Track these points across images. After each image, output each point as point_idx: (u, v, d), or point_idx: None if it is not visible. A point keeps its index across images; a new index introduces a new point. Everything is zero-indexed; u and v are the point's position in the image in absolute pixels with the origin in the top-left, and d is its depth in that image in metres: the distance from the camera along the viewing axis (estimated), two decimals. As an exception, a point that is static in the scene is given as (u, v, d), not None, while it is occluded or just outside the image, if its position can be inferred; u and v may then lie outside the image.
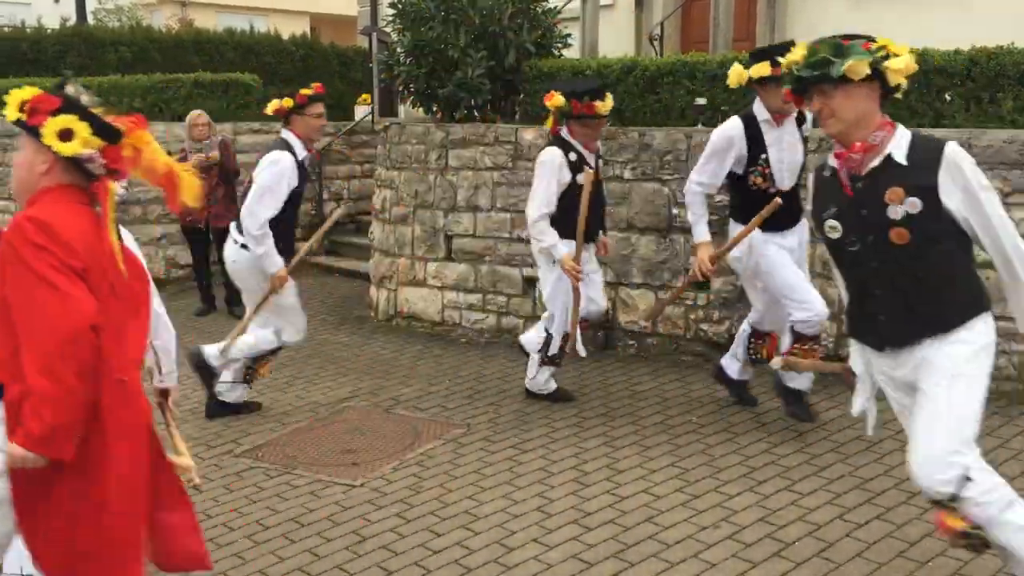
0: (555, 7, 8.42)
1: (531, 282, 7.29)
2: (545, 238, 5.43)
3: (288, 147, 5.53)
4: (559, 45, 8.26)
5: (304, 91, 5.60)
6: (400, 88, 8.33)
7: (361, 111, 11.80)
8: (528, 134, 7.23)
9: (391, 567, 3.92)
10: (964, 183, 2.96)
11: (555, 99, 5.38)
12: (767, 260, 5.03)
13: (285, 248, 5.58)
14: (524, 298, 7.35)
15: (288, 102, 5.56)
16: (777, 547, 3.92)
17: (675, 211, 6.55)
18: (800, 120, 5.08)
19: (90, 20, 16.97)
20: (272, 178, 5.40)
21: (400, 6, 8.03)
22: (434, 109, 8.19)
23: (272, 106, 5.61)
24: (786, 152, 5.00)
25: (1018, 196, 5.47)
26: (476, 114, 7.96)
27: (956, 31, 6.80)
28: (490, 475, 4.80)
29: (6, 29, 14.31)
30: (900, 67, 3.00)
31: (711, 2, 9.28)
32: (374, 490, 4.70)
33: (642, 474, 4.72)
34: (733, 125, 4.97)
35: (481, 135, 7.43)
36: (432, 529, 4.23)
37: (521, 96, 7.99)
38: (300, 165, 5.55)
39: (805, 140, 5.15)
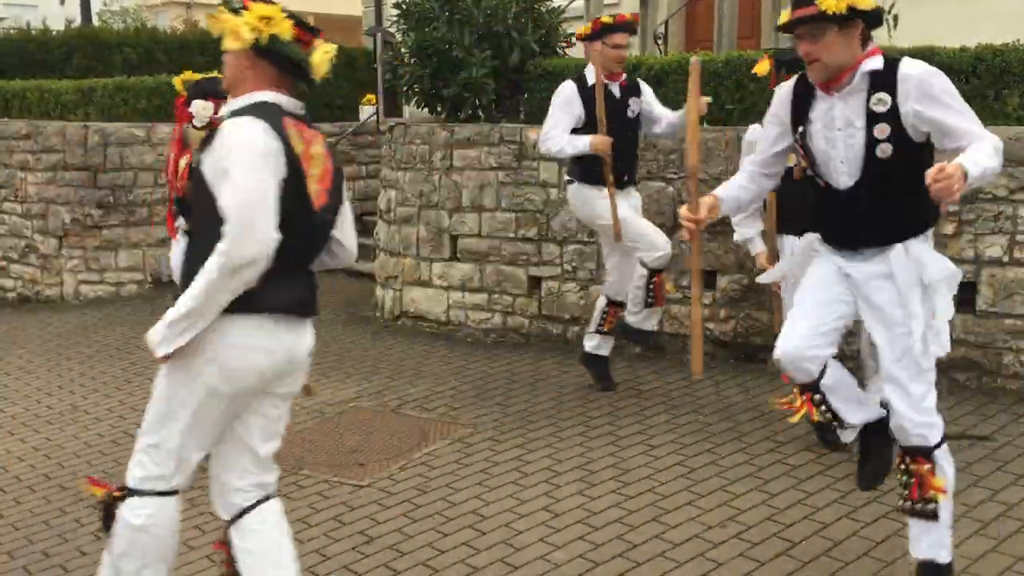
0: (559, 6, 8.42)
1: (536, 281, 7.29)
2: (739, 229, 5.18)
3: (579, 77, 5.63)
4: (563, 44, 8.27)
5: (604, 18, 5.60)
6: (405, 88, 8.34)
7: (366, 111, 11.82)
8: (533, 133, 7.21)
9: (398, 567, 3.92)
10: (218, 163, 2.80)
11: (762, 66, 5.02)
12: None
13: (601, 177, 5.49)
14: (529, 298, 7.34)
15: (586, 29, 5.64)
16: (784, 546, 3.92)
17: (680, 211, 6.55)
18: (873, 90, 3.19)
19: (95, 22, 17.02)
20: (552, 107, 5.58)
21: (404, 7, 8.05)
22: (439, 109, 8.20)
23: (578, 31, 5.81)
24: (839, 134, 3.25)
25: (1023, 194, 5.46)
26: (481, 114, 7.97)
27: (961, 28, 6.80)
28: (496, 475, 4.81)
29: (12, 31, 14.36)
30: (230, 26, 2.88)
31: (715, 1, 9.27)
32: (381, 490, 4.71)
33: (648, 473, 4.72)
34: (786, 86, 3.48)
35: (486, 135, 7.43)
36: (439, 529, 4.24)
37: (526, 96, 7.99)
38: (589, 93, 5.48)
39: (874, 118, 3.19)
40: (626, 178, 5.64)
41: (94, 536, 4.36)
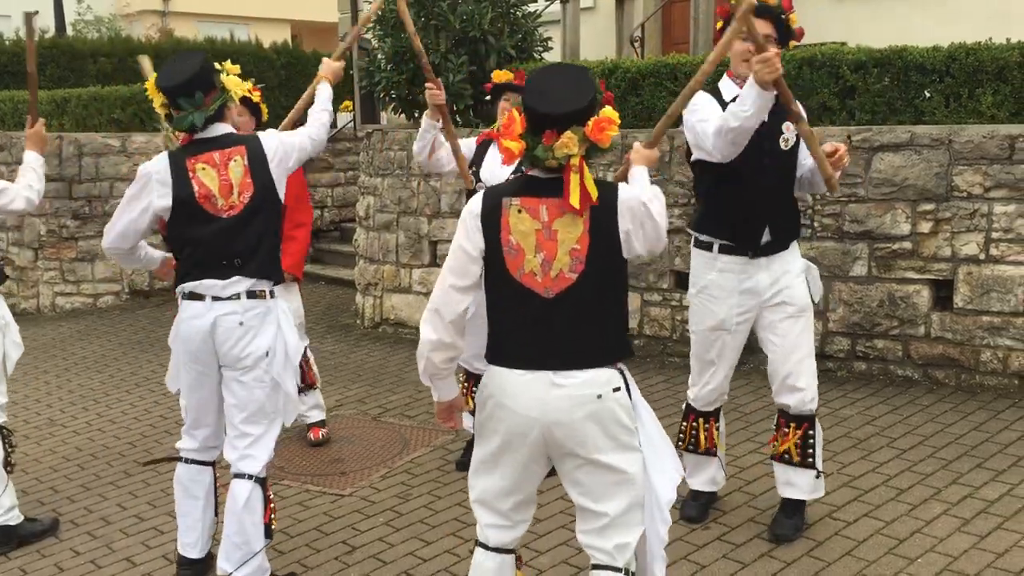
0: (535, 11, 8.42)
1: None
2: None
3: None
4: (540, 49, 8.27)
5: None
6: (382, 95, 8.33)
7: (343, 118, 11.79)
8: (511, 138, 7.19)
9: (381, 576, 3.90)
10: None
11: None
12: None
13: None
14: (510, 302, 7.32)
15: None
16: (767, 547, 3.92)
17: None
18: None
19: (69, 32, 16.89)
20: None
21: (380, 13, 8.02)
22: (416, 115, 8.18)
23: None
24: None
25: (998, 191, 5.50)
26: (458, 119, 7.95)
27: (934, 28, 6.85)
28: (479, 481, 4.78)
29: (-16, 42, 14.22)
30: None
31: (691, 3, 9.30)
32: (363, 499, 4.68)
33: (631, 477, 4.70)
34: None
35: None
36: (421, 537, 4.22)
37: (503, 100, 7.98)
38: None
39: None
40: None
41: (72, 552, 4.31)
